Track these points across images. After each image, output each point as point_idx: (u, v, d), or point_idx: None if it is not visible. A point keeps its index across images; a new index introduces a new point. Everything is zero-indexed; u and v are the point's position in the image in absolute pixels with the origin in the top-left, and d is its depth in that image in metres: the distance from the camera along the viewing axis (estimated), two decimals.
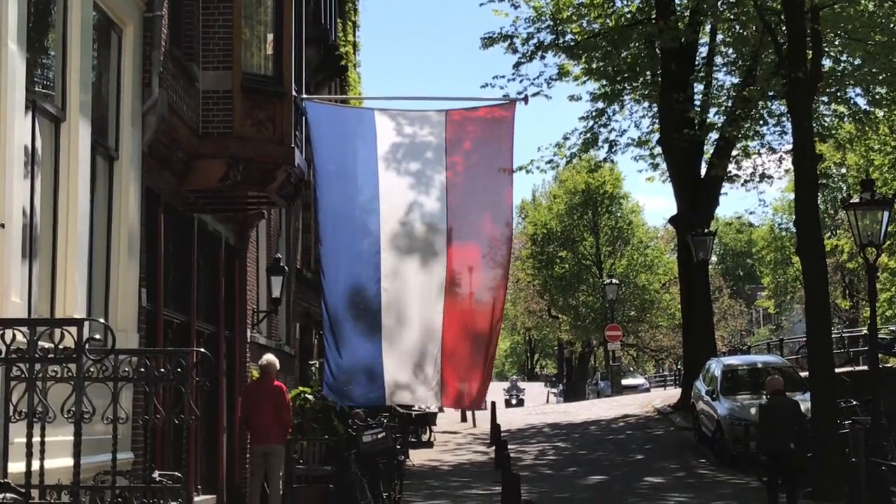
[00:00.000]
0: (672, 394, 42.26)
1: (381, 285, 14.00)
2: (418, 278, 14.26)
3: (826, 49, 26.41)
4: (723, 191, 34.37)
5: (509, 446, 23.01)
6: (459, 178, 14.58)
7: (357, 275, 14.14)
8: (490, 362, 14.72)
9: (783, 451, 17.87)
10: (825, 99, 30.43)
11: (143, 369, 9.22)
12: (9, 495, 7.76)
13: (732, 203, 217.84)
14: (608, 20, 33.05)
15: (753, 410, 21.64)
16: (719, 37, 33.53)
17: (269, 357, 17.21)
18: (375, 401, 15.10)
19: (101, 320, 10.16)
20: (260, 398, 16.61)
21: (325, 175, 15.00)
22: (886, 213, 19.78)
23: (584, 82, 34.10)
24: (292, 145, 15.37)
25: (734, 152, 33.07)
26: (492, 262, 14.42)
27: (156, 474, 9.67)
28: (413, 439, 29.78)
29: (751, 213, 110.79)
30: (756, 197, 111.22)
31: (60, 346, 8.23)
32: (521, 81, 32.96)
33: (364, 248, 14.37)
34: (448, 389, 14.43)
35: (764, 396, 20.04)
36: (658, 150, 34.75)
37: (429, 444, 30.53)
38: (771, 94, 28.28)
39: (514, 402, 62.97)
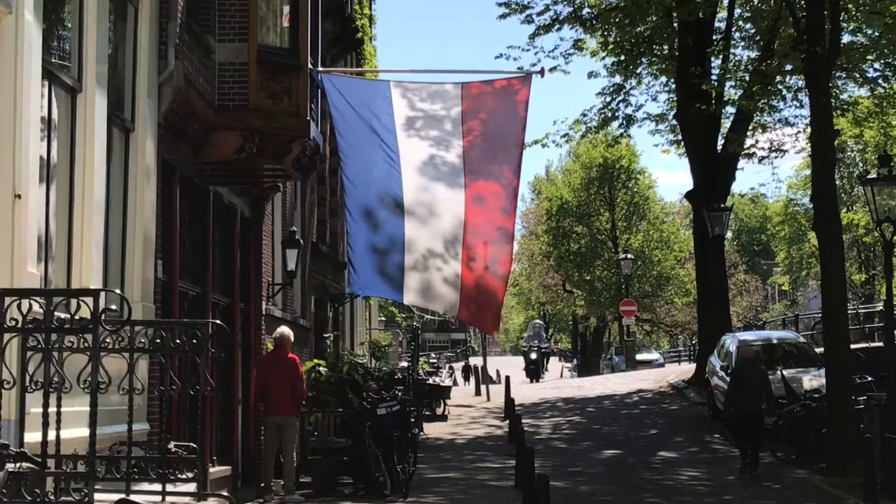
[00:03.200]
0: (686, 369, 42.23)
1: (405, 202, 14.75)
2: (442, 195, 14.93)
3: (844, 24, 26.17)
4: (738, 166, 34.23)
5: (523, 420, 23.04)
6: (476, 142, 14.91)
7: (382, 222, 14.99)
8: (502, 291, 15.50)
9: (753, 413, 19.92)
10: (843, 74, 30.21)
11: (158, 340, 9.26)
12: (25, 465, 7.80)
13: (748, 178, 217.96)
14: None
15: None
16: (737, 11, 33.31)
17: (284, 329, 17.26)
18: (395, 294, 15.77)
19: (118, 291, 10.20)
20: (274, 370, 16.68)
21: (343, 149, 15.30)
22: None
23: (603, 58, 33.99)
24: (308, 118, 15.34)
25: (750, 126, 32.90)
26: (508, 200, 15.10)
27: (171, 445, 9.71)
28: (427, 412, 29.85)
29: (762, 185, 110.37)
30: (770, 172, 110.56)
31: (77, 317, 8.24)
32: (535, 53, 33.06)
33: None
34: (467, 303, 15.00)
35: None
36: (675, 124, 34.63)
37: (443, 418, 30.59)
38: (789, 68, 28.07)
39: (532, 356, 53.70)
